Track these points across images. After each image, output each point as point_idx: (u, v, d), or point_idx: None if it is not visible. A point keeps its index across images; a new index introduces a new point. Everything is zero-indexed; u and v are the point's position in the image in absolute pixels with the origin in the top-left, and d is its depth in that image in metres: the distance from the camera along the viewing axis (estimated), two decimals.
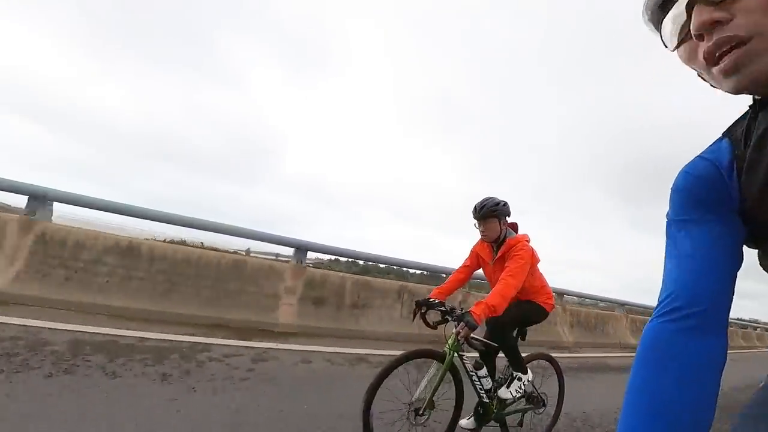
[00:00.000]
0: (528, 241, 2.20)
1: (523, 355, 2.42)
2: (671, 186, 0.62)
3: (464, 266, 2.42)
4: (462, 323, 1.83)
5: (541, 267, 2.35)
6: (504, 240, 2.20)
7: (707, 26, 0.46)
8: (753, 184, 0.53)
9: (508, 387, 2.19)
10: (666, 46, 0.55)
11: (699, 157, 0.60)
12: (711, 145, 0.60)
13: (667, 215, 0.63)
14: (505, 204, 2.23)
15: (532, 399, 2.42)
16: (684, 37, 0.52)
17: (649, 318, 0.59)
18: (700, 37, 0.48)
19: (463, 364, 2.11)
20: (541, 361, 2.51)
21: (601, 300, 9.70)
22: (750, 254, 0.61)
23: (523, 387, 2.22)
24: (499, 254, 2.21)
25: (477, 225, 2.24)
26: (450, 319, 1.99)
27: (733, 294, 0.56)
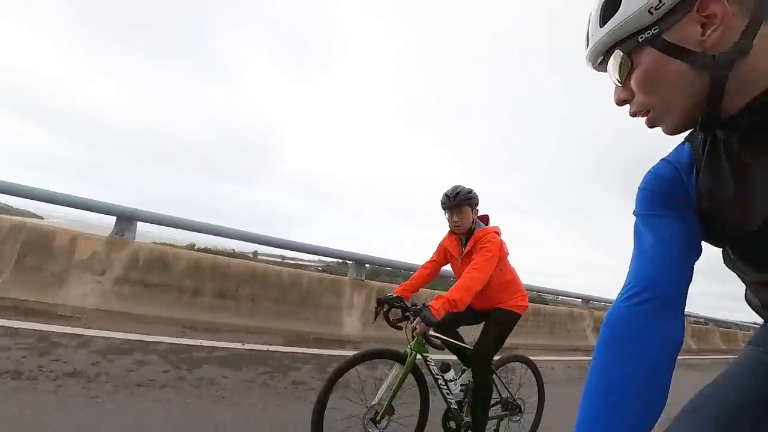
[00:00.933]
0: (498, 234, 2.06)
1: (497, 357, 2.26)
2: (638, 185, 0.68)
3: (431, 261, 2.27)
4: (418, 318, 1.67)
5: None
6: (473, 232, 2.06)
7: (621, 104, 0.60)
8: (705, 185, 0.61)
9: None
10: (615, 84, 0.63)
11: (664, 159, 0.68)
12: (675, 149, 0.68)
13: (633, 212, 0.68)
14: (474, 192, 2.10)
15: (508, 405, 2.23)
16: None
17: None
18: (624, 102, 0.60)
19: (428, 366, 1.94)
20: (516, 364, 2.34)
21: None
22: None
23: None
24: (467, 248, 2.07)
25: (448, 215, 2.10)
26: (409, 315, 1.83)
27: (689, 282, 0.60)
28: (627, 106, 0.60)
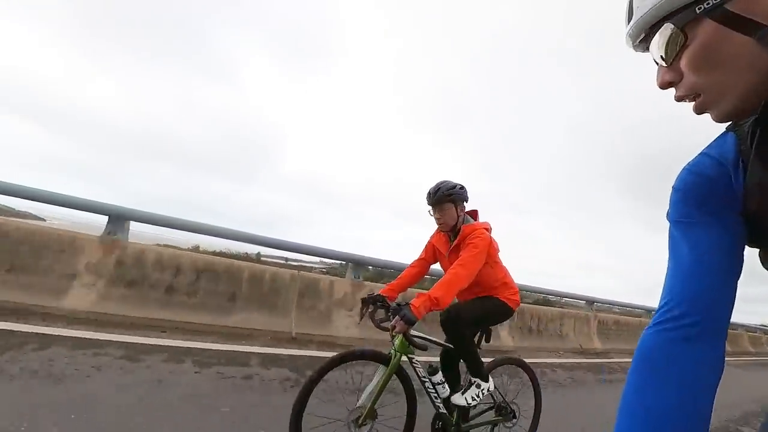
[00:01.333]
0: (488, 230, 1.99)
1: (489, 359, 2.17)
2: (673, 184, 0.60)
3: (419, 259, 2.20)
4: (397, 317, 1.60)
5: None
6: (460, 228, 1.99)
7: (665, 87, 0.53)
8: (755, 181, 0.52)
9: (463, 393, 1.91)
10: (656, 63, 0.56)
11: (703, 153, 0.59)
12: (716, 140, 0.58)
13: (667, 215, 0.61)
14: (463, 188, 2.03)
15: (502, 410, 2.14)
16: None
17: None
18: (670, 85, 0.53)
19: (414, 368, 1.86)
20: (512, 367, 2.24)
21: (635, 307, 10.08)
22: (751, 256, 0.59)
23: (480, 395, 1.94)
24: (454, 244, 1.99)
25: (431, 212, 2.04)
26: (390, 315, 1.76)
27: (734, 301, 0.54)
28: (671, 90, 0.53)
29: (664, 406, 0.49)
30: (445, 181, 2.03)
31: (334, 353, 1.78)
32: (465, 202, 2.06)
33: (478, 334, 2.09)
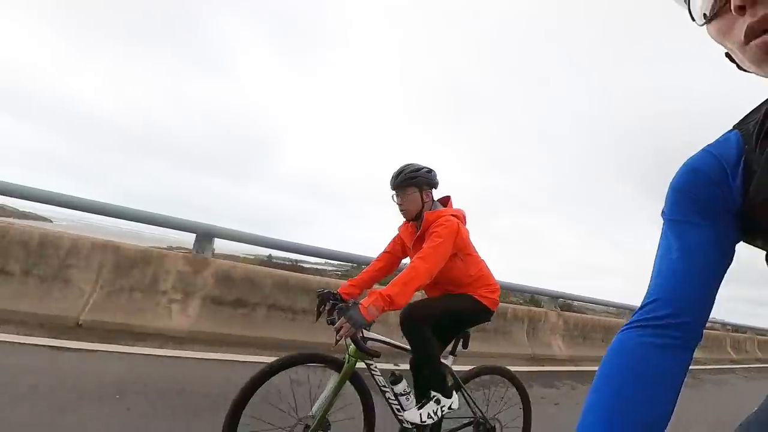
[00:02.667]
0: (458, 217, 1.75)
1: (468, 367, 1.93)
2: (671, 181, 0.58)
3: (384, 252, 1.98)
4: (343, 318, 1.40)
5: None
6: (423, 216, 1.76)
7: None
8: (762, 186, 0.49)
9: (419, 408, 1.65)
10: (693, 20, 0.47)
11: (705, 150, 0.56)
12: (720, 138, 0.56)
13: (662, 212, 0.59)
14: (430, 171, 1.81)
15: (480, 427, 1.89)
16: (718, 10, 0.43)
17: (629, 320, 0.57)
18: (741, 10, 0.40)
19: (373, 376, 1.66)
20: (494, 377, 1.98)
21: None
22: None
23: (439, 413, 1.66)
24: (418, 234, 1.77)
25: (394, 197, 1.83)
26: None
27: (713, 304, 0.54)
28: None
29: (645, 410, 0.48)
30: (410, 164, 1.81)
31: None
32: (433, 188, 1.83)
33: (454, 340, 1.85)
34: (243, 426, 1.46)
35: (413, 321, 1.64)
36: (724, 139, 0.55)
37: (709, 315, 0.54)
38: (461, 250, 1.72)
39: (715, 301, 0.54)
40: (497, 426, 1.92)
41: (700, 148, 0.57)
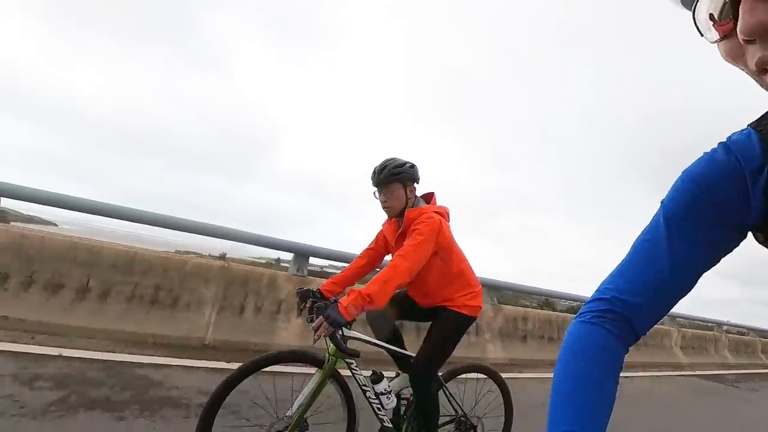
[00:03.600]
0: (441, 214, 1.72)
1: (446, 369, 1.92)
2: (685, 169, 0.53)
3: (367, 249, 1.96)
4: (321, 317, 1.38)
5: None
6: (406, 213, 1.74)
7: (761, 32, 0.33)
8: None
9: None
10: (701, 34, 0.40)
11: (725, 146, 0.50)
12: (737, 136, 0.49)
13: (663, 200, 0.54)
14: (413, 166, 1.77)
15: (461, 425, 1.89)
16: (728, 30, 0.37)
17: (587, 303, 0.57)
18: (751, 41, 0.35)
19: (354, 374, 1.64)
20: (476, 375, 1.98)
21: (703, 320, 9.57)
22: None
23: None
24: (400, 231, 1.75)
25: (377, 194, 1.79)
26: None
27: (669, 310, 0.54)
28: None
29: (602, 398, 0.49)
30: (392, 158, 1.78)
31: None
32: (415, 183, 1.80)
33: None
34: (222, 420, 1.43)
35: (426, 379, 1.68)
36: (745, 138, 0.49)
37: (661, 318, 0.55)
38: (443, 248, 1.70)
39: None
40: (479, 424, 1.93)
41: (718, 143, 0.51)
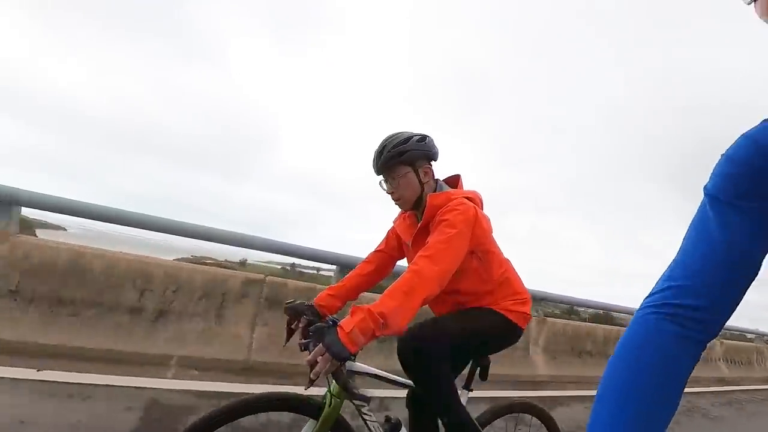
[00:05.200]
0: (473, 201, 1.29)
1: (488, 405, 1.48)
2: (726, 151, 0.51)
3: (376, 252, 1.51)
4: (321, 346, 0.95)
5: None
6: (426, 201, 1.30)
7: None
8: None
9: None
10: None
11: (766, 126, 0.48)
12: (762, 127, 0.49)
13: (705, 187, 0.52)
14: (423, 138, 1.32)
15: None
16: None
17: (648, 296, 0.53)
18: None
19: (365, 420, 1.21)
20: (519, 415, 1.54)
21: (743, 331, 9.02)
22: None
23: None
24: (420, 226, 1.31)
25: (382, 184, 1.37)
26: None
27: (741, 301, 0.51)
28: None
29: (659, 406, 0.46)
30: (395, 134, 1.33)
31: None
32: (431, 160, 1.36)
33: (469, 367, 1.41)
34: None
35: (421, 352, 1.17)
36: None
37: (733, 312, 0.49)
38: (480, 245, 1.26)
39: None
40: None
41: (763, 119, 0.49)
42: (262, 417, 1.37)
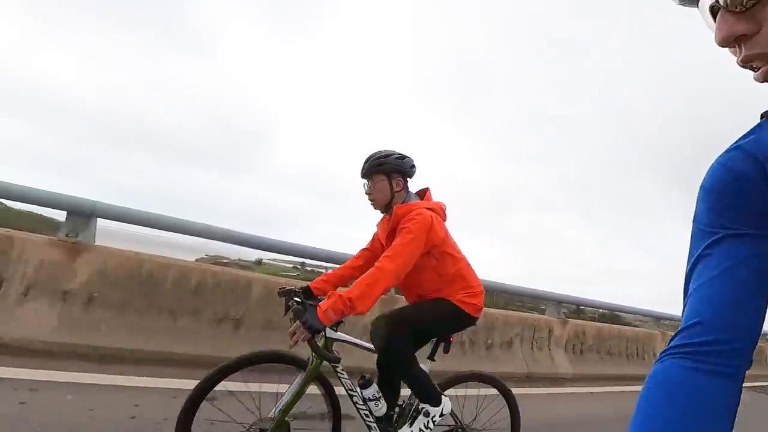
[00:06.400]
0: (434, 210, 1.59)
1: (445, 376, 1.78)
2: (701, 182, 0.52)
3: (363, 249, 1.85)
4: (298, 322, 1.28)
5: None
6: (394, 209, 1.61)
7: (730, 41, 0.41)
8: None
9: (410, 425, 1.55)
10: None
11: (737, 146, 0.49)
12: (751, 132, 0.48)
13: (694, 217, 0.53)
14: (403, 158, 1.67)
15: None
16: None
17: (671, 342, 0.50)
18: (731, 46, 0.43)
19: (340, 378, 1.54)
20: (479, 385, 1.82)
21: None
22: None
23: (431, 425, 1.55)
24: (389, 230, 1.61)
25: (364, 185, 1.71)
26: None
27: (762, 322, 0.48)
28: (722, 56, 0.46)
29: None
30: (381, 150, 1.69)
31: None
32: (404, 176, 1.68)
33: (433, 344, 1.70)
34: (203, 413, 1.39)
35: (384, 336, 1.50)
36: (757, 134, 0.47)
37: (759, 335, 0.47)
38: (436, 246, 1.56)
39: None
40: None
41: (730, 145, 0.50)
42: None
